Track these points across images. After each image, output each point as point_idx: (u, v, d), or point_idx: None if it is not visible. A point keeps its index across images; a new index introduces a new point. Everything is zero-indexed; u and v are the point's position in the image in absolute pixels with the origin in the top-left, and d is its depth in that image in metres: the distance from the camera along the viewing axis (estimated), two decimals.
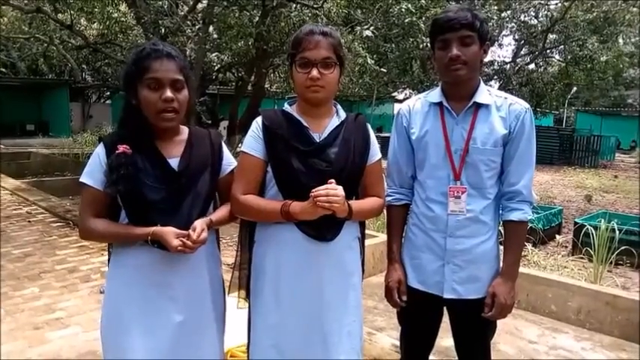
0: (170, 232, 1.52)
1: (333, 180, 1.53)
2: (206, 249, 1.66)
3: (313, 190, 1.51)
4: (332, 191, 1.50)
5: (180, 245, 1.50)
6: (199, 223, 1.55)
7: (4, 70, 22.15)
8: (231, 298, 1.83)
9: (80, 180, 1.59)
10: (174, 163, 1.61)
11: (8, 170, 10.57)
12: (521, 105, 1.73)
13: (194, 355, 1.65)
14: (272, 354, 1.66)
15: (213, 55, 8.27)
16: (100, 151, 1.59)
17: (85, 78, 19.41)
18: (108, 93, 22.64)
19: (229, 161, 1.76)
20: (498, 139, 1.69)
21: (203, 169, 1.66)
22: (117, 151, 1.52)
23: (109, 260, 1.70)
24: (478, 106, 1.71)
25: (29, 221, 6.07)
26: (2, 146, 15.36)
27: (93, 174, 1.58)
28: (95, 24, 11.88)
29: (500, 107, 1.72)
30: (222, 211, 1.72)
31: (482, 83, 1.75)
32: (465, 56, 1.63)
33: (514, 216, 1.71)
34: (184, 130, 1.70)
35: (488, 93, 1.74)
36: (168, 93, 1.52)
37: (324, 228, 1.62)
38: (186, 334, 1.63)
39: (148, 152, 1.59)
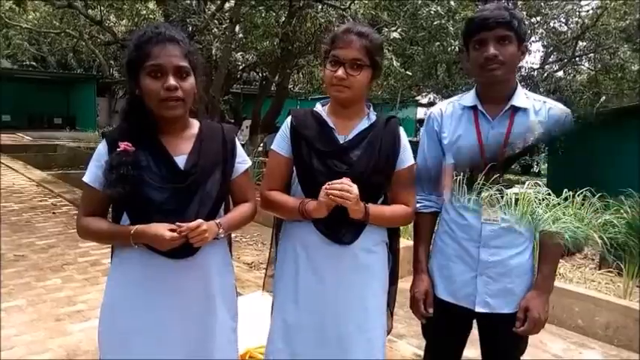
0: (159, 226, 1.37)
1: (348, 178, 1.52)
2: (218, 255, 1.58)
3: (328, 183, 1.50)
4: (346, 186, 1.49)
5: (174, 238, 1.36)
6: (201, 221, 1.41)
7: (34, 63, 22.76)
8: (250, 298, 1.80)
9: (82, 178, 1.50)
10: (181, 160, 1.48)
11: (35, 162, 10.82)
12: (561, 109, 1.65)
13: None
14: (284, 356, 1.65)
15: (239, 54, 8.31)
16: (102, 148, 1.48)
17: (113, 74, 19.76)
18: None
19: (243, 159, 1.64)
20: None
21: (213, 167, 1.53)
22: (118, 149, 1.40)
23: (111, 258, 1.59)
24: (515, 109, 1.64)
25: (54, 213, 6.15)
26: (30, 138, 15.73)
27: (91, 172, 1.47)
28: (124, 20, 12.10)
29: (539, 111, 1.64)
30: (234, 214, 1.60)
31: (519, 86, 1.68)
32: (502, 56, 1.55)
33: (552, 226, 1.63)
34: (194, 125, 1.57)
35: (525, 96, 1.67)
36: (171, 81, 1.38)
37: (341, 230, 1.60)
38: (194, 346, 1.51)
39: (152, 148, 1.46)
